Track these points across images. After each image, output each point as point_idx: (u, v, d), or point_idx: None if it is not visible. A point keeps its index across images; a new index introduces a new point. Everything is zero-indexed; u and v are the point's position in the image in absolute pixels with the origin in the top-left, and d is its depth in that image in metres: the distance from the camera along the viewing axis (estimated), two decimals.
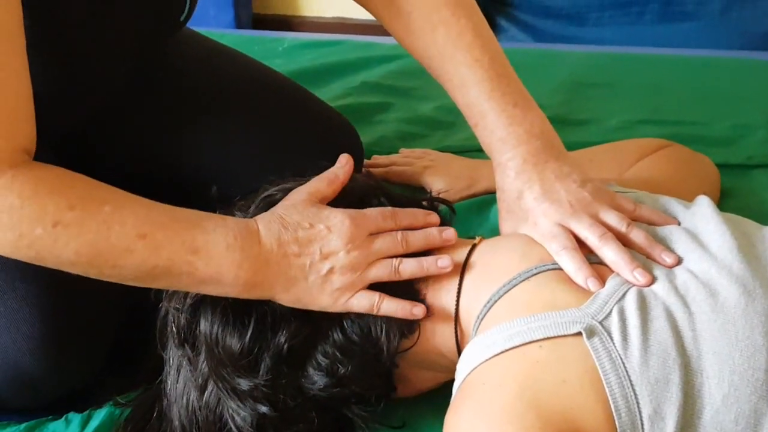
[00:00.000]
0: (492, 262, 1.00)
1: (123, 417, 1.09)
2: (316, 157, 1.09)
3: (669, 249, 0.96)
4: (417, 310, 0.99)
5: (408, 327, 1.00)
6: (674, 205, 1.03)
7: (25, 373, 1.08)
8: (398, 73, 1.87)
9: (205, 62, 1.40)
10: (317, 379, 0.99)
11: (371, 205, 1.03)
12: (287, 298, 0.98)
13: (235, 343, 0.98)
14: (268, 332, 0.98)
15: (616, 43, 2.28)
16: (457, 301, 1.00)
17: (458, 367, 0.94)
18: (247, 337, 0.98)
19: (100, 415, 1.10)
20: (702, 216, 0.99)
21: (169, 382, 1.04)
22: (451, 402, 0.92)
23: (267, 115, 1.38)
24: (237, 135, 1.34)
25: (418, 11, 1.10)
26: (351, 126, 1.46)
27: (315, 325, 0.99)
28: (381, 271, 0.99)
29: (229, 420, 1.00)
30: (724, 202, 1.37)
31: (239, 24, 2.78)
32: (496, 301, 0.95)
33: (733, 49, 2.16)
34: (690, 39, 2.33)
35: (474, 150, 1.48)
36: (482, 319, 0.96)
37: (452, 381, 0.96)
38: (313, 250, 0.97)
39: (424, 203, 1.09)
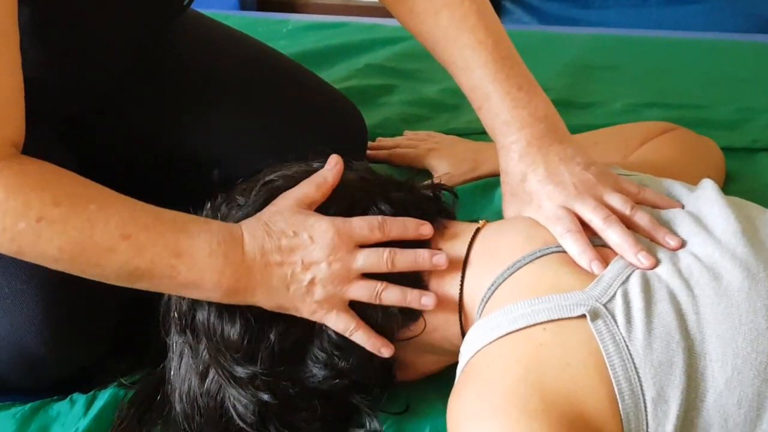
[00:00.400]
0: (496, 245, 1.00)
1: (127, 398, 1.09)
2: (321, 139, 1.09)
3: (673, 232, 0.95)
4: (385, 351, 0.99)
5: (411, 315, 1.00)
6: (678, 189, 1.03)
7: (29, 353, 1.08)
8: (402, 55, 1.86)
9: (209, 44, 1.40)
10: (316, 372, 0.99)
11: (364, 210, 1.01)
12: (269, 305, 0.97)
13: (232, 333, 0.98)
14: (258, 328, 0.98)
15: (621, 25, 2.28)
16: (461, 285, 1.00)
17: (462, 349, 0.94)
18: (239, 329, 0.98)
19: (104, 396, 1.11)
20: (706, 199, 0.99)
21: (171, 367, 1.04)
22: (454, 385, 0.92)
23: (271, 96, 1.37)
24: (241, 117, 1.34)
25: None
26: (355, 108, 1.45)
27: (306, 324, 0.99)
28: (362, 293, 0.98)
29: (231, 408, 1.00)
30: (729, 186, 1.37)
31: (243, 5, 2.77)
32: (500, 284, 0.95)
33: (739, 32, 2.15)
34: (695, 22, 2.31)
35: (478, 133, 1.47)
36: (486, 302, 0.96)
37: (456, 364, 0.96)
38: (295, 260, 0.96)
39: (427, 190, 1.08)
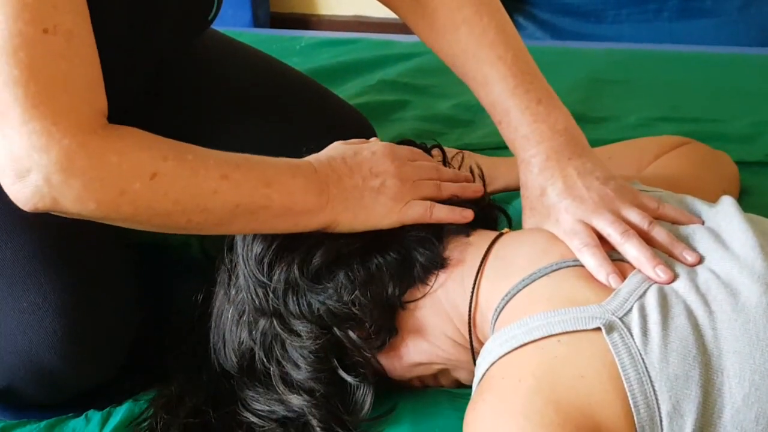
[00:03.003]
0: (513, 254, 1.01)
1: (142, 416, 1.09)
2: None
3: (691, 248, 0.95)
4: (467, 213, 1.06)
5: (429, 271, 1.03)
6: (698, 205, 1.03)
7: (46, 368, 1.09)
8: (415, 70, 1.87)
9: (224, 59, 1.41)
10: (331, 293, 1.02)
11: None
12: (346, 216, 1.02)
13: (259, 249, 1.03)
14: (291, 244, 1.03)
15: (635, 40, 2.28)
16: (474, 282, 1.01)
17: (478, 362, 0.94)
18: (267, 242, 1.03)
19: (119, 413, 1.11)
20: (725, 214, 0.99)
21: (215, 301, 1.09)
22: (471, 397, 0.92)
23: (285, 111, 1.38)
24: (254, 131, 1.34)
25: (442, 9, 1.11)
26: (369, 124, 1.46)
27: (349, 247, 1.03)
28: (428, 188, 1.06)
29: (245, 327, 1.05)
30: (743, 200, 1.37)
31: (257, 23, 2.78)
32: (514, 295, 0.95)
33: (752, 46, 2.15)
34: (708, 36, 2.32)
35: (492, 148, 1.48)
36: (500, 311, 0.96)
37: (455, 378, 0.96)
38: (363, 170, 1.04)
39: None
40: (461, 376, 1.07)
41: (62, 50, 0.89)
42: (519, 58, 1.08)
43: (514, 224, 1.13)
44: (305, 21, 2.92)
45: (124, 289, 1.15)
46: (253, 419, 1.05)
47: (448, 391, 1.09)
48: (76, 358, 1.09)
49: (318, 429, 1.02)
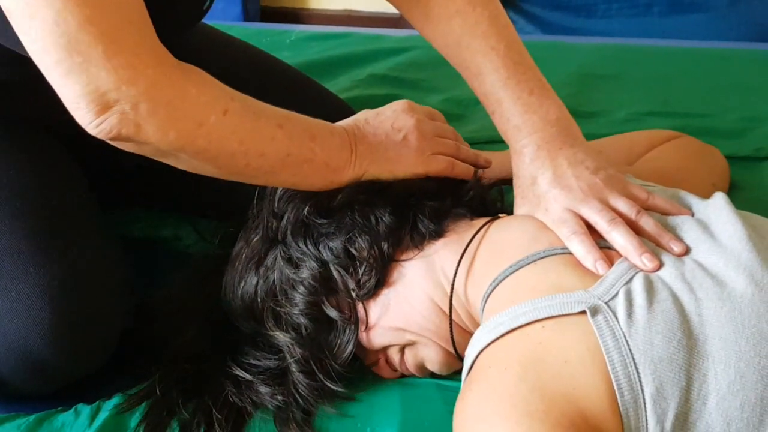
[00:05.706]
0: (503, 240, 1.02)
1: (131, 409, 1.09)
2: None
3: (678, 238, 0.96)
4: (484, 162, 1.15)
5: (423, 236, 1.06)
6: (690, 199, 1.03)
7: (35, 358, 1.09)
8: (406, 65, 1.87)
9: (214, 53, 1.40)
10: (332, 229, 1.06)
11: None
12: (373, 169, 1.07)
13: (279, 190, 1.08)
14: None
15: (625, 34, 2.28)
16: (460, 260, 1.02)
17: (467, 351, 0.95)
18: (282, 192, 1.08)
19: (108, 407, 1.10)
20: (715, 206, 0.99)
21: (235, 248, 1.14)
22: (461, 387, 0.92)
23: (277, 104, 1.38)
24: None
25: (436, 0, 1.11)
26: None
27: (367, 194, 1.06)
28: (447, 144, 1.12)
29: (254, 270, 1.09)
30: (733, 194, 1.36)
31: (247, 17, 2.78)
32: (501, 281, 0.96)
33: (742, 41, 2.15)
34: (698, 31, 2.32)
35: (482, 142, 1.48)
36: (488, 296, 0.97)
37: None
38: (386, 127, 1.09)
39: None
40: (428, 356, 1.07)
41: None
42: (512, 49, 1.09)
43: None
44: (295, 15, 2.92)
45: (113, 279, 1.15)
46: (238, 372, 1.07)
47: (438, 383, 1.09)
48: (64, 347, 1.09)
49: (296, 373, 1.05)
